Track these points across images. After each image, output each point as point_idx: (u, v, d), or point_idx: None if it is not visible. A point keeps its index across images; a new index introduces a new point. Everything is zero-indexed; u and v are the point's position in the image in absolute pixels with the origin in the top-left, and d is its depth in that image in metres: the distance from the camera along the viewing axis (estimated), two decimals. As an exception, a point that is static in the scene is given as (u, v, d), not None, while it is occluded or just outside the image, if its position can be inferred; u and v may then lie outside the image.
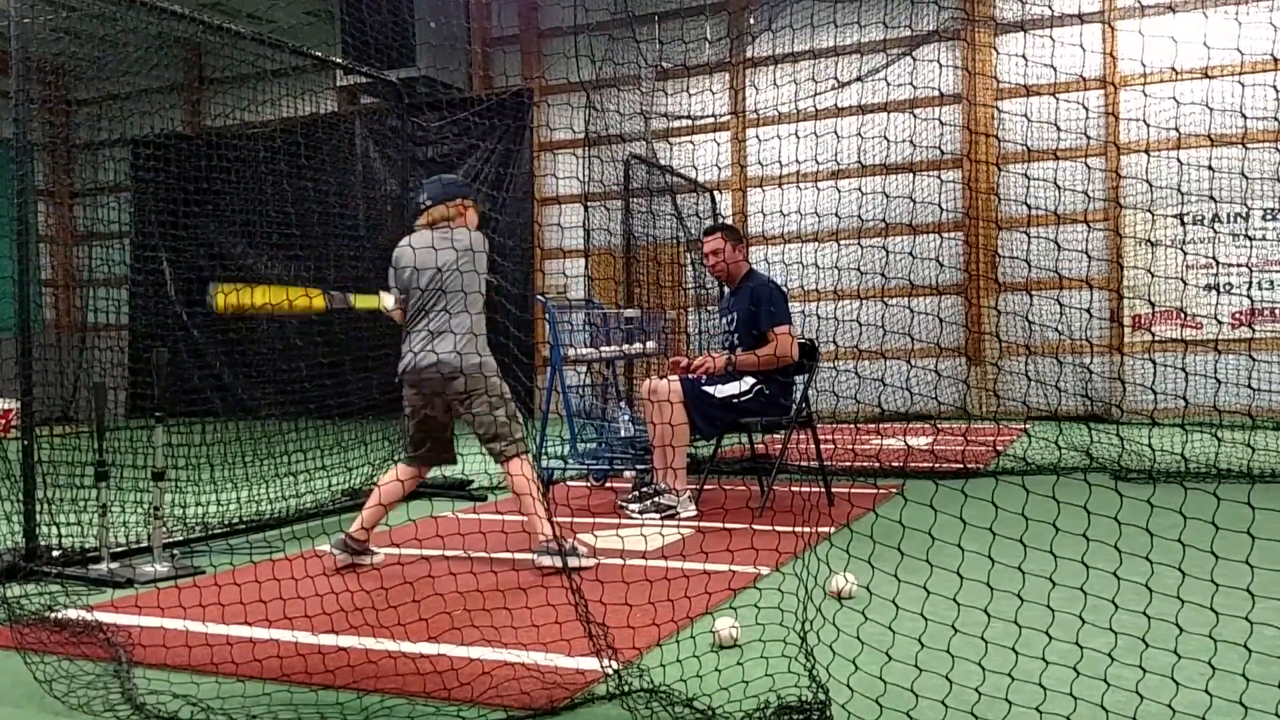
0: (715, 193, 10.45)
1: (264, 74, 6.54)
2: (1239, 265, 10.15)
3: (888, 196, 10.07)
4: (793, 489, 5.92)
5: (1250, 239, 10.09)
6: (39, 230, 13.21)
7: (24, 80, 4.48)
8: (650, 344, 7.13)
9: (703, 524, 5.17)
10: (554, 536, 4.07)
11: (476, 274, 4.22)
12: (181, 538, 4.98)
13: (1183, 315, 10.17)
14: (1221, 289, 10.15)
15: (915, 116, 10.30)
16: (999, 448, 7.90)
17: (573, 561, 3.97)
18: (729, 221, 10.50)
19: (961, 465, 6.66)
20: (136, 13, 5.09)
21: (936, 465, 6.81)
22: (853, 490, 5.97)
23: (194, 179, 7.13)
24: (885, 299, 9.90)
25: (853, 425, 9.54)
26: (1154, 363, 4.23)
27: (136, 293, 10.35)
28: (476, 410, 4.19)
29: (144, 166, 8.09)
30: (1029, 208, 9.31)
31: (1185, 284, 10.09)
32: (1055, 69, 9.59)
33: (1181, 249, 10.05)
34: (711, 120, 12.26)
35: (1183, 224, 10.14)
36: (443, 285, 4.16)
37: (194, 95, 14.57)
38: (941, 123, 10.91)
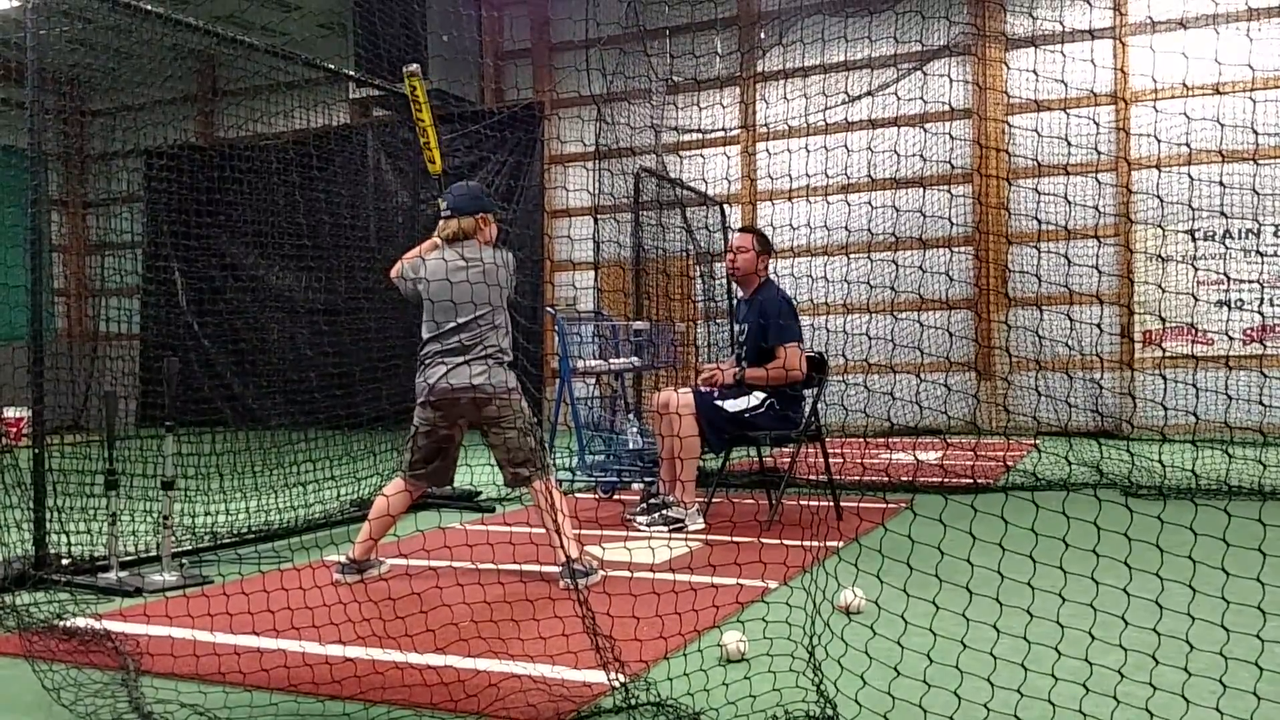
0: (725, 206, 10.46)
1: (277, 86, 6.58)
2: (1250, 281, 10.11)
3: (898, 210, 10.06)
4: (801, 503, 5.91)
5: (1262, 255, 10.05)
6: (52, 240, 13.31)
7: (39, 91, 4.52)
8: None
9: (711, 537, 5.16)
10: (577, 558, 4.06)
11: (500, 288, 4.20)
12: (190, 547, 4.99)
13: (1194, 331, 10.14)
14: (1233, 305, 10.11)
15: (926, 131, 10.31)
16: (1009, 463, 7.87)
17: (584, 582, 3.95)
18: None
19: (971, 480, 6.62)
20: (151, 25, 5.12)
21: (946, 480, 6.78)
22: (861, 504, 5.95)
23: (207, 190, 7.17)
24: (895, 313, 9.87)
25: (862, 439, 9.52)
26: (1165, 378, 4.23)
27: (148, 302, 10.39)
28: (507, 435, 4.17)
29: (157, 177, 8.15)
30: (1039, 222, 9.29)
31: (1196, 300, 10.05)
32: (1066, 84, 9.58)
33: (1192, 265, 10.02)
34: (722, 134, 12.28)
35: (1193, 240, 10.11)
36: (473, 307, 4.08)
37: (207, 107, 14.67)
38: (952, 137, 10.91)
